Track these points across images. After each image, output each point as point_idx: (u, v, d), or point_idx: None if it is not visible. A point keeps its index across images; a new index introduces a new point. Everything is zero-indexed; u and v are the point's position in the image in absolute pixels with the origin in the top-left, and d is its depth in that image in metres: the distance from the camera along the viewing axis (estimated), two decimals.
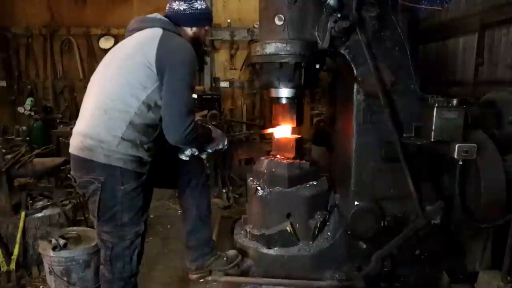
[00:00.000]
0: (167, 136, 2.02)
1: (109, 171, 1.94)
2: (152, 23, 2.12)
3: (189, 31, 2.25)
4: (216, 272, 2.45)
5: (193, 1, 2.21)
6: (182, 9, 2.20)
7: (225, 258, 2.46)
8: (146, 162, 2.07)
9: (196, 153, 2.30)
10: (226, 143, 2.42)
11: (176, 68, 1.97)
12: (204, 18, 2.28)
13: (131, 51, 2.03)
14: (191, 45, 2.10)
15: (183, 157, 2.29)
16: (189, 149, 2.27)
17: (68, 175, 2.18)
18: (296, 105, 2.56)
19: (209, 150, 2.37)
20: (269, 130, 2.83)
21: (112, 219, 2.00)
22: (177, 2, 2.21)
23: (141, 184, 2.04)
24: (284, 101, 2.51)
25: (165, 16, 2.20)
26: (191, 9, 2.21)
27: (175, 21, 2.19)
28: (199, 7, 2.23)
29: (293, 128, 2.73)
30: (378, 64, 2.35)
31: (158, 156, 2.21)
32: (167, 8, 2.26)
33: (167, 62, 1.95)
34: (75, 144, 2.00)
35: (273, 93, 2.52)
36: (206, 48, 6.41)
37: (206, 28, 2.32)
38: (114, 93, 1.97)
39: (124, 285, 2.10)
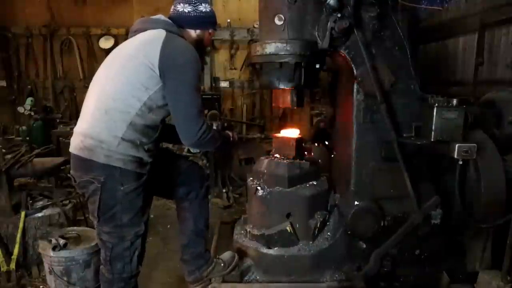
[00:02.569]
0: (182, 139, 2.05)
1: (109, 171, 1.94)
2: (155, 25, 2.12)
3: (193, 33, 2.25)
4: (215, 279, 2.43)
5: (198, 3, 2.21)
6: (186, 11, 2.20)
7: (222, 264, 2.44)
8: (147, 163, 2.07)
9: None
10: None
11: (180, 70, 1.97)
12: (208, 21, 2.28)
13: (133, 52, 2.03)
14: (194, 47, 2.10)
15: (194, 150, 2.28)
16: None
17: (68, 175, 2.18)
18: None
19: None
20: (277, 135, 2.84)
21: (111, 219, 2.00)
22: (181, 4, 2.21)
23: (141, 185, 2.04)
24: None
25: (169, 18, 2.20)
26: (196, 11, 2.21)
27: (179, 23, 2.19)
28: (203, 10, 2.23)
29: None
30: (378, 64, 2.35)
31: (159, 165, 2.21)
32: (171, 9, 2.26)
33: (170, 64, 1.95)
34: (75, 143, 2.00)
35: None
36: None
37: (210, 31, 2.32)
38: (116, 93, 1.97)
39: (124, 285, 2.10)
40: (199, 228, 2.43)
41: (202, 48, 2.30)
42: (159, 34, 2.04)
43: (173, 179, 2.37)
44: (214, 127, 2.35)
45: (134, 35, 2.14)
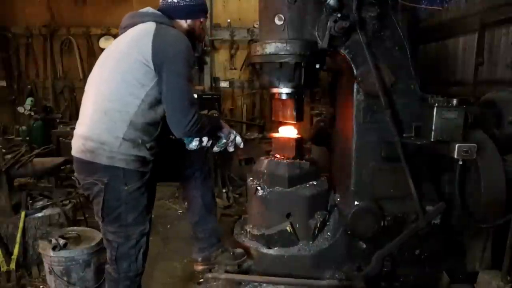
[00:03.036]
0: (172, 130, 2.02)
1: (112, 172, 1.94)
2: (144, 18, 2.09)
3: (184, 23, 2.21)
4: (217, 269, 2.44)
5: None
6: (175, 1, 2.17)
7: (232, 253, 2.47)
8: (149, 161, 2.07)
9: (206, 145, 2.27)
10: (240, 139, 2.42)
11: (172, 61, 1.94)
12: (198, 9, 2.24)
13: (125, 49, 2.01)
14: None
15: (191, 147, 2.25)
16: (196, 140, 2.24)
17: (72, 177, 2.18)
18: (296, 101, 2.54)
19: (224, 140, 2.36)
20: (275, 135, 2.84)
21: (116, 219, 2.01)
22: None
23: (144, 184, 2.04)
24: (284, 96, 2.49)
25: (159, 10, 2.17)
26: (185, 1, 2.17)
27: (169, 14, 2.15)
28: None
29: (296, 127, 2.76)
30: (378, 64, 2.34)
31: (161, 150, 2.20)
32: (160, 1, 2.23)
33: (163, 56, 1.93)
34: (77, 146, 2.00)
35: (274, 89, 2.50)
36: (205, 48, 6.42)
37: (201, 20, 2.28)
38: (112, 94, 1.96)
39: (129, 284, 2.11)
40: (207, 202, 2.46)
41: (195, 38, 2.26)
42: (149, 27, 2.01)
43: (177, 163, 2.38)
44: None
45: (125, 31, 2.11)
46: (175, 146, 2.35)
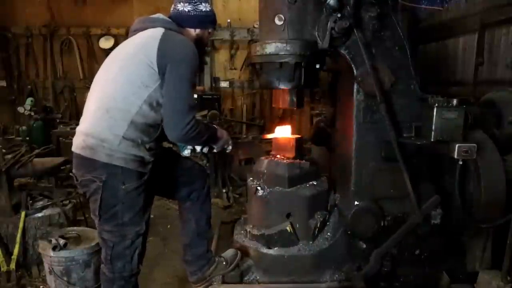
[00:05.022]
0: (167, 132, 2.02)
1: (111, 170, 1.94)
2: (154, 23, 2.12)
3: (192, 32, 2.25)
4: (215, 279, 2.43)
5: (198, 3, 2.21)
6: (186, 10, 2.20)
7: (224, 262, 2.45)
8: (148, 162, 2.07)
9: (198, 150, 2.28)
10: (231, 144, 2.42)
11: (177, 64, 1.96)
12: (208, 20, 2.28)
13: (132, 50, 2.04)
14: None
15: (184, 154, 2.26)
16: (189, 148, 2.26)
17: (70, 174, 2.17)
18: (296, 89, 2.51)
19: (215, 151, 2.37)
20: (269, 136, 2.84)
21: (112, 218, 2.00)
22: (181, 4, 2.21)
23: (142, 184, 2.04)
24: None
25: (169, 17, 2.21)
26: (196, 11, 2.21)
27: (179, 22, 2.19)
28: (203, 9, 2.23)
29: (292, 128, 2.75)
30: (378, 64, 2.35)
31: (161, 165, 2.21)
32: (171, 9, 2.26)
33: (168, 59, 1.96)
34: (77, 142, 2.01)
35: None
36: (205, 48, 6.43)
37: (210, 30, 2.33)
38: (116, 92, 1.97)
39: (124, 284, 2.10)
40: (200, 228, 2.44)
41: (202, 47, 2.31)
42: (157, 32, 2.04)
43: (175, 179, 2.37)
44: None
45: (134, 34, 2.14)
46: (175, 163, 2.37)
